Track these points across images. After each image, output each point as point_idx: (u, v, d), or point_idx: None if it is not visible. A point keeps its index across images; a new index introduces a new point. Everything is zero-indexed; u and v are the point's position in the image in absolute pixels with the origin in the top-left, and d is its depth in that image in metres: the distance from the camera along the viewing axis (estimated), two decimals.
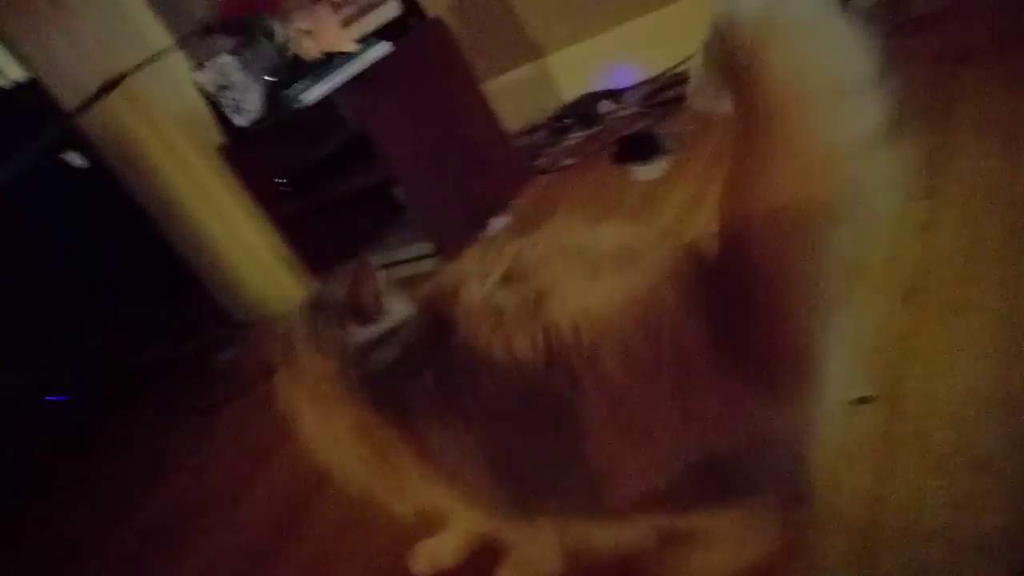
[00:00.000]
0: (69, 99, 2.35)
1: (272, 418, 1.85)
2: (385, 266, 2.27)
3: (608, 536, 0.78)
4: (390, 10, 2.27)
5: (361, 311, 0.84)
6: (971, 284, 1.03)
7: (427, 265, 2.17)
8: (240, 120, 2.30)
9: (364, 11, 2.32)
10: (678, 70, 2.46)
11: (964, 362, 0.92)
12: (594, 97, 2.51)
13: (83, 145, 2.48)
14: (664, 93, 2.37)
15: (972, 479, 0.78)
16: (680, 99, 2.26)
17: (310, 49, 2.38)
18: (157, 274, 2.88)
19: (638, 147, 2.02)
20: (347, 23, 2.37)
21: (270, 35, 1.16)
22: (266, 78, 2.28)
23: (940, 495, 0.78)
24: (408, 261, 2.22)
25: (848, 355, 0.71)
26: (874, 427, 0.90)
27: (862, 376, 0.97)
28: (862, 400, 0.95)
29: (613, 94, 2.49)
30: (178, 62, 2.36)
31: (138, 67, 1.93)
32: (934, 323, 1.01)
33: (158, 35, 2.32)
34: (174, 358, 2.61)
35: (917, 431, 0.86)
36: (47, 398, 2.75)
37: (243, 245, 2.47)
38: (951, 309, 1.01)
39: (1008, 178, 1.18)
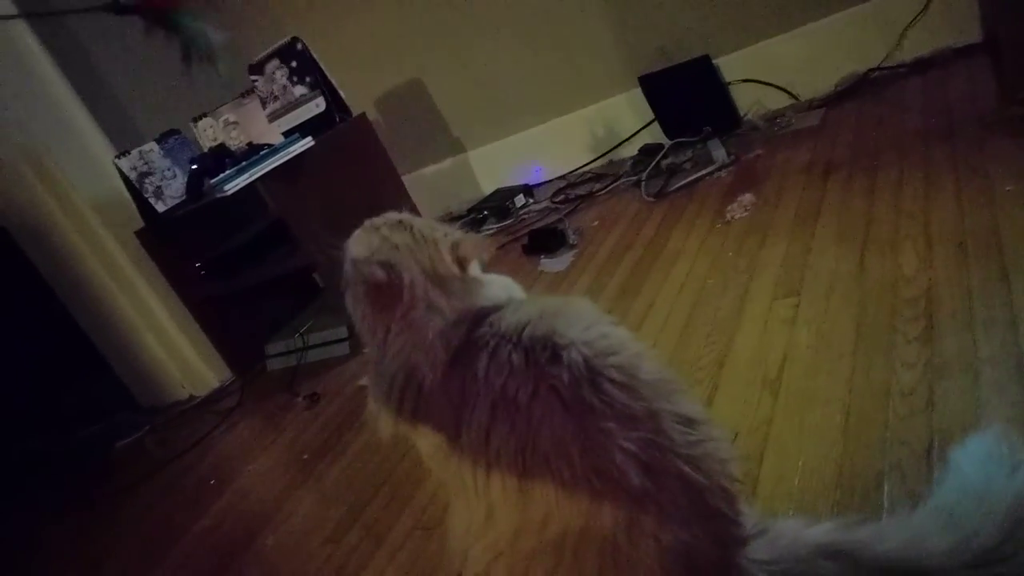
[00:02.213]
0: None
1: (174, 506, 1.83)
2: (301, 350, 2.29)
3: None
4: (316, 107, 2.39)
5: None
6: (822, 376, 1.16)
7: (342, 349, 2.21)
8: (161, 206, 2.34)
9: (291, 107, 2.43)
10: (584, 170, 2.66)
11: (811, 447, 1.03)
12: (509, 192, 2.66)
13: None
14: (571, 191, 2.54)
15: None
16: (585, 196, 2.43)
17: (236, 140, 2.46)
18: (59, 354, 2.80)
19: (546, 240, 2.15)
20: (274, 117, 2.48)
21: (195, 32, 1.13)
22: (191, 166, 2.34)
23: None
24: (324, 345, 2.26)
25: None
26: None
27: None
28: None
29: (526, 189, 2.64)
30: (100, 146, 2.39)
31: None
32: (790, 410, 1.12)
33: (79, 117, 2.36)
34: (70, 443, 2.53)
35: (768, 510, 0.95)
36: None
37: (154, 328, 2.45)
38: (804, 398, 1.13)
39: (858, 282, 1.34)
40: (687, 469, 0.72)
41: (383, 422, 0.86)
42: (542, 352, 0.74)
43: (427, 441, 0.84)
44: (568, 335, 0.75)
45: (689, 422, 0.74)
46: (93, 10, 1.13)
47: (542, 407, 0.72)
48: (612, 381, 0.72)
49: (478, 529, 0.80)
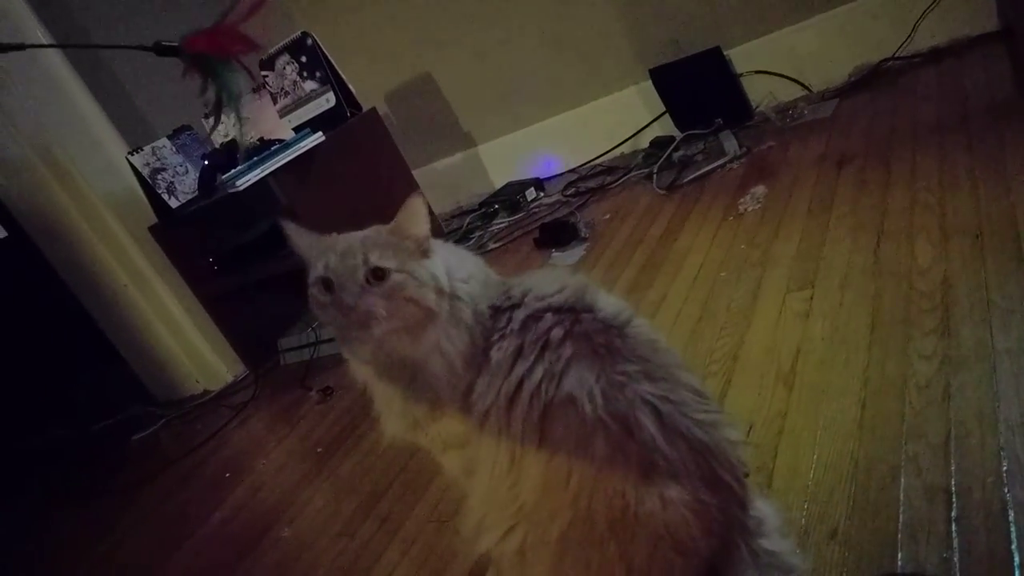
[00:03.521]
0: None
1: (189, 498, 1.85)
2: (314, 344, 2.30)
3: None
4: (327, 102, 2.39)
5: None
6: (837, 369, 1.15)
7: None
8: (174, 202, 2.35)
9: (302, 102, 2.44)
10: (596, 163, 2.65)
11: (825, 439, 1.03)
12: (520, 185, 2.66)
13: (4, 216, 2.47)
14: (582, 184, 2.54)
15: (824, 547, 0.87)
16: (596, 190, 2.42)
17: (248, 135, 2.47)
18: (74, 349, 2.83)
19: (558, 233, 2.15)
20: (285, 112, 2.48)
21: (230, 83, 1.17)
22: (203, 162, 2.35)
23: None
24: (335, 340, 2.27)
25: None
26: None
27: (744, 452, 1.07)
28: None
29: (537, 183, 2.64)
30: (113, 142, 2.40)
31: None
32: (805, 403, 1.12)
33: (92, 114, 2.37)
34: (86, 436, 2.56)
35: (783, 504, 0.95)
36: None
37: (168, 323, 2.47)
38: (819, 391, 1.12)
39: (872, 274, 1.33)
40: (698, 433, 0.73)
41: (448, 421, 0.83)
42: (578, 302, 0.79)
43: (446, 428, 0.83)
44: (600, 302, 0.80)
45: (701, 395, 0.77)
46: (133, 48, 1.15)
47: (573, 346, 0.75)
48: (636, 338, 0.77)
49: (503, 496, 0.79)
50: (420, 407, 0.83)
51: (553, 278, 0.83)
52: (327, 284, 0.79)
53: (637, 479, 0.72)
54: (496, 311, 0.82)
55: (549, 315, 0.78)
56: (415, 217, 0.81)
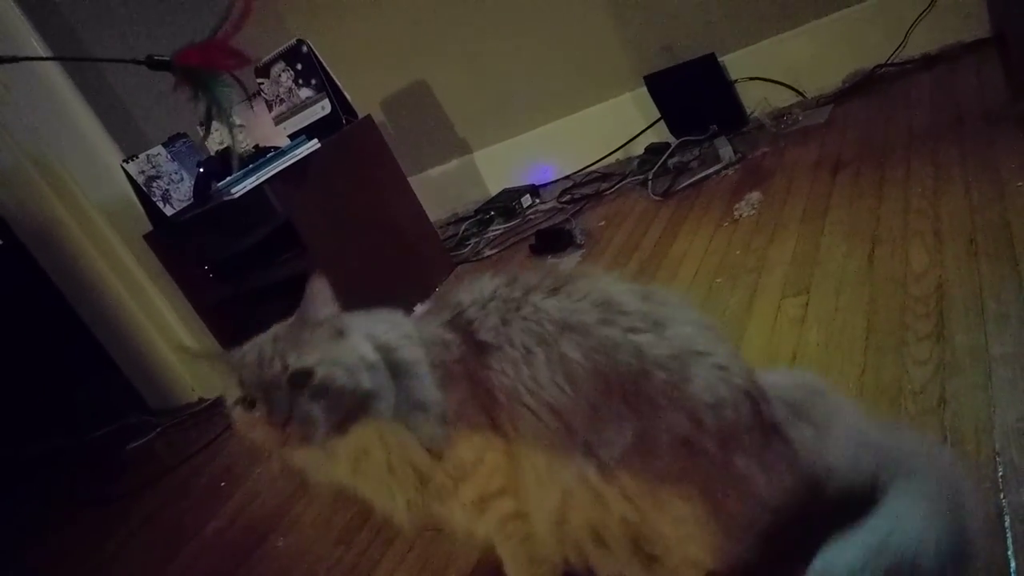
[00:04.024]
0: None
1: (185, 507, 1.84)
2: None
3: None
4: (322, 109, 2.39)
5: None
6: (832, 374, 1.15)
7: None
8: (169, 209, 2.34)
9: (297, 109, 2.44)
10: (591, 169, 2.65)
11: None
12: (516, 192, 2.66)
13: None
14: (578, 190, 2.54)
15: None
16: (592, 196, 2.42)
17: (243, 143, 2.47)
18: (70, 357, 2.82)
19: (553, 240, 2.15)
20: (280, 120, 2.48)
21: (220, 97, 1.15)
22: (198, 169, 2.35)
23: None
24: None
25: None
26: None
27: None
28: None
29: (533, 190, 2.64)
30: (108, 150, 2.40)
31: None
32: None
33: (87, 121, 2.37)
34: (81, 445, 2.54)
35: None
36: None
37: (163, 331, 2.46)
38: None
39: (867, 279, 1.33)
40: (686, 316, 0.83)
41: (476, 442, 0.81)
42: (516, 275, 0.85)
43: (459, 452, 0.81)
44: (530, 271, 0.86)
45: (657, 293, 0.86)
46: (126, 62, 1.17)
47: (538, 293, 0.82)
48: (567, 271, 0.86)
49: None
50: (418, 455, 0.80)
51: (480, 278, 0.88)
52: (249, 403, 0.74)
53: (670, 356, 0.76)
54: (453, 320, 0.84)
55: (502, 288, 0.84)
56: (320, 300, 0.78)
